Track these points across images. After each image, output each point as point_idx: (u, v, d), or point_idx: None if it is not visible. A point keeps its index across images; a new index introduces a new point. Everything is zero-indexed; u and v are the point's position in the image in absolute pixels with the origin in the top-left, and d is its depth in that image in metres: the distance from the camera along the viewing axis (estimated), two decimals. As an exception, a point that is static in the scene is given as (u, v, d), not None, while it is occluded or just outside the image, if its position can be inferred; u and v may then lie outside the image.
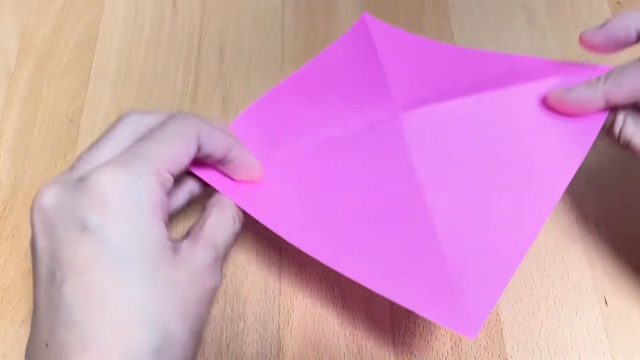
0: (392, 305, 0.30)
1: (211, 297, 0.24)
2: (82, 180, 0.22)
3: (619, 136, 0.26)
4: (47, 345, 0.20)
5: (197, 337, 0.23)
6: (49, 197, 0.22)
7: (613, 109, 0.27)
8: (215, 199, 0.26)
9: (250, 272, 0.31)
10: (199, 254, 0.23)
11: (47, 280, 0.21)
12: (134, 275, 0.21)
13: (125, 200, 0.21)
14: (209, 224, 0.25)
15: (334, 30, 0.39)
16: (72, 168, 0.23)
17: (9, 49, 0.39)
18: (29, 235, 0.32)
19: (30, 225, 0.23)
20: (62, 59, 0.38)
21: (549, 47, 0.37)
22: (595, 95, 0.26)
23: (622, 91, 0.26)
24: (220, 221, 0.25)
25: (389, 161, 0.27)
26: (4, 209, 0.33)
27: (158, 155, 0.22)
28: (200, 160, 0.26)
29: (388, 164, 0.27)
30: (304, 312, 0.30)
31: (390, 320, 0.29)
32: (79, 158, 0.24)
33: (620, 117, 0.26)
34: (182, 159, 0.23)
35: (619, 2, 0.39)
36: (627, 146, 0.27)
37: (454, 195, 0.26)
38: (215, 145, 0.25)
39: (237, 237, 0.26)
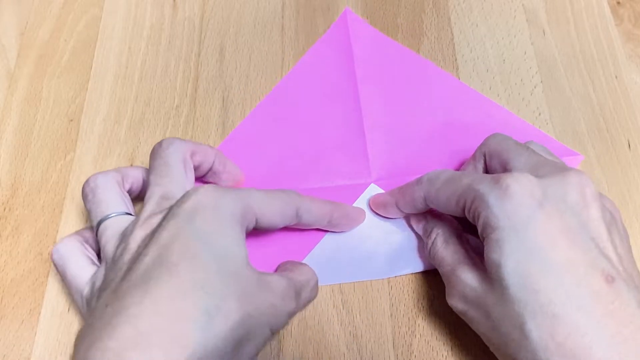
0: (392, 305, 0.30)
1: (277, 316, 0.24)
2: (182, 198, 0.25)
3: (430, 251, 0.28)
4: (106, 306, 0.22)
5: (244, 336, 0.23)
6: (168, 231, 0.24)
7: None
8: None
9: (250, 272, 0.31)
10: (273, 277, 0.25)
11: (132, 258, 0.24)
12: (206, 258, 0.23)
13: (215, 208, 0.24)
14: (289, 266, 0.28)
15: (334, 30, 0.39)
16: (162, 197, 0.26)
17: (9, 49, 0.39)
18: (29, 235, 0.32)
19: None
20: (62, 59, 0.39)
21: (548, 47, 0.37)
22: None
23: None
24: (302, 269, 0.28)
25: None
26: (4, 209, 0.33)
27: (255, 202, 0.25)
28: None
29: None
30: (304, 312, 0.30)
31: (390, 320, 0.30)
32: (153, 192, 0.26)
33: (432, 236, 0.28)
34: (275, 221, 0.27)
35: (618, 2, 0.39)
36: (433, 259, 0.28)
37: None
38: (313, 219, 0.28)
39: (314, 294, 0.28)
